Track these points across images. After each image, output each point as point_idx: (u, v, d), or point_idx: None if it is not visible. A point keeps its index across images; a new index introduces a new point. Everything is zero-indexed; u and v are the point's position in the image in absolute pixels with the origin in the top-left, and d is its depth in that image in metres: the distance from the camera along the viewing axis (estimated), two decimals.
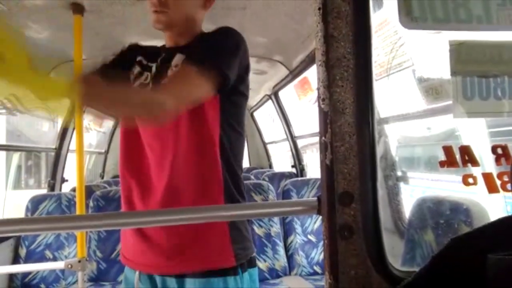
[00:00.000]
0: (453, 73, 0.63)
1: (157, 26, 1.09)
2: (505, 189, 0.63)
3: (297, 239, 2.52)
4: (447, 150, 0.62)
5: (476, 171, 0.64)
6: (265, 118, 4.81)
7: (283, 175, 3.60)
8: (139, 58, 1.17)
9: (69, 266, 1.79)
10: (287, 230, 2.55)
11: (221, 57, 1.03)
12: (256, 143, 5.04)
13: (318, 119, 0.59)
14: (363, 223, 0.58)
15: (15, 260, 2.39)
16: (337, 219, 0.58)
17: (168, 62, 1.09)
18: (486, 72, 0.64)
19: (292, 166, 3.81)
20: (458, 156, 0.62)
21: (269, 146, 4.97)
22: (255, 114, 4.88)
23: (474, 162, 0.63)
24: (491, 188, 0.64)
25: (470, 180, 0.62)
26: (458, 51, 0.63)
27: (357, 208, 0.58)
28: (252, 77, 3.75)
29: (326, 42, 0.57)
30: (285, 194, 2.60)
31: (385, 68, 1.80)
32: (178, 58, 1.08)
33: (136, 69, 1.16)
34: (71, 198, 2.60)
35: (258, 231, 2.47)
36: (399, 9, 0.61)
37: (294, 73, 2.96)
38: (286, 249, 2.53)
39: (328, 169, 0.58)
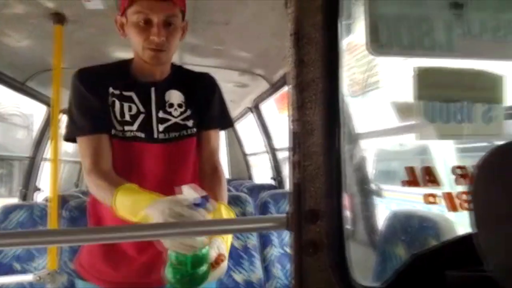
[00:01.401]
0: (417, 97, 0.67)
1: (155, 63, 1.14)
2: (463, 208, 0.66)
3: (274, 251, 2.52)
4: (410, 170, 0.65)
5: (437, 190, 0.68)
6: (248, 129, 4.85)
7: (262, 187, 3.62)
8: (111, 90, 1.16)
9: (38, 278, 1.73)
10: (264, 242, 2.56)
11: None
12: (236, 154, 5.06)
13: (288, 139, 0.61)
14: (328, 240, 0.61)
15: None
16: (304, 235, 0.60)
17: (148, 96, 1.18)
18: (448, 97, 0.68)
19: (272, 178, 3.84)
20: (420, 176, 0.65)
21: (254, 157, 5.00)
22: (236, 125, 4.90)
23: (436, 182, 0.66)
24: (452, 207, 0.67)
25: (431, 199, 0.66)
26: (422, 77, 0.67)
27: (322, 225, 0.60)
28: (234, 89, 3.79)
29: (297, 66, 0.60)
30: (263, 207, 2.61)
31: (361, 86, 1.86)
32: (174, 97, 1.20)
33: (116, 104, 1.16)
34: (44, 208, 2.54)
35: (235, 243, 2.47)
36: (366, 36, 0.65)
37: (275, 87, 3.01)
38: (263, 261, 2.53)
39: (296, 187, 0.60)
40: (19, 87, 2.64)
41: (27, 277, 1.81)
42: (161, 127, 1.16)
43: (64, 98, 2.75)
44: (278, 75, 2.83)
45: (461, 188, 0.67)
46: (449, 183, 0.71)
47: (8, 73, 2.47)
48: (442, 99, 0.67)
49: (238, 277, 2.39)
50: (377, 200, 1.98)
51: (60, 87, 2.08)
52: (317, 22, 0.61)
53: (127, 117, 1.14)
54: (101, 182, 1.05)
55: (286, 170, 4.26)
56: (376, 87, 1.69)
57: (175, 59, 2.60)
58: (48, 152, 3.06)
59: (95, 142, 1.11)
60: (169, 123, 1.18)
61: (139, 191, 1.00)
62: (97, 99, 1.14)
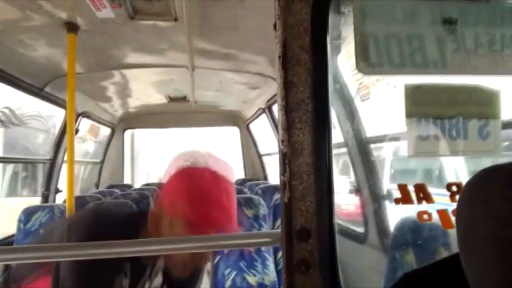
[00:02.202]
0: (409, 115, 0.67)
1: (184, 275, 1.05)
2: None
3: None
4: (402, 188, 0.65)
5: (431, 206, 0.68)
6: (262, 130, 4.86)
7: (276, 188, 3.62)
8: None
9: None
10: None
11: None
12: (251, 154, 5.08)
13: (278, 160, 0.63)
14: (319, 258, 0.62)
15: None
16: (295, 254, 0.61)
17: (139, 275, 1.06)
18: (441, 114, 0.68)
19: None
20: (413, 194, 0.66)
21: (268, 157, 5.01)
22: (250, 126, 4.92)
23: (429, 199, 0.66)
24: (446, 224, 0.67)
25: (425, 216, 0.66)
26: (414, 94, 0.67)
27: (314, 243, 0.61)
28: (246, 91, 3.79)
29: (286, 87, 0.61)
30: (276, 209, 2.63)
31: (369, 90, 1.84)
32: (157, 280, 1.10)
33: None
34: (63, 210, 2.62)
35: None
36: (356, 55, 0.65)
37: None
38: (276, 264, 2.55)
39: (286, 206, 0.61)
40: (38, 92, 2.72)
41: None
42: None
43: (79, 101, 2.82)
44: None
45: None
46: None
47: (27, 80, 2.55)
48: (435, 116, 0.67)
49: (252, 280, 2.41)
50: (389, 204, 1.96)
51: (75, 91, 2.15)
52: (305, 44, 0.61)
53: None
54: None
55: None
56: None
57: (187, 62, 2.65)
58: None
59: None
60: None
61: None
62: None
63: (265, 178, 4.97)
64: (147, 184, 4.87)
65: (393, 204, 0.65)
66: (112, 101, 3.88)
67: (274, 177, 5.10)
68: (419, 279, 0.61)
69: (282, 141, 0.61)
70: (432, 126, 0.67)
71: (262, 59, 2.68)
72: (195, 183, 0.97)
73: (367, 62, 0.65)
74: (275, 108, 3.70)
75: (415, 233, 1.46)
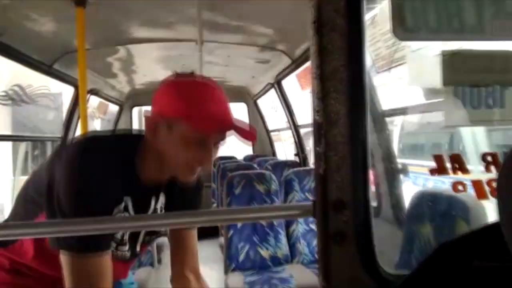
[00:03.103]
0: (445, 82, 0.64)
1: (188, 181, 0.98)
2: (494, 196, 0.65)
3: (299, 228, 2.56)
4: (438, 159, 0.64)
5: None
6: (268, 106, 4.83)
7: (285, 164, 3.63)
8: (122, 201, 0.96)
9: None
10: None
11: None
12: (259, 130, 5.06)
13: (312, 130, 0.61)
14: (355, 229, 0.61)
15: None
16: (330, 225, 0.60)
17: (145, 205, 1.01)
18: (478, 82, 0.65)
19: (295, 155, 3.84)
20: (448, 164, 0.64)
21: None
22: (258, 101, 4.89)
23: (464, 170, 0.65)
24: (480, 195, 0.66)
25: (460, 187, 0.65)
26: (451, 61, 0.64)
27: (349, 215, 0.60)
28: (255, 65, 3.76)
29: (320, 55, 0.59)
30: (287, 184, 2.63)
31: (387, 61, 1.80)
32: (161, 201, 1.06)
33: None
34: None
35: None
36: (393, 21, 0.62)
37: (297, 63, 2.96)
38: (288, 237, 2.58)
39: (321, 177, 0.60)
40: (47, 70, 2.70)
41: None
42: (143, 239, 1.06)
43: (89, 78, 2.79)
44: (299, 50, 2.78)
45: (492, 175, 0.65)
46: (477, 162, 0.69)
47: (35, 56, 2.52)
48: (471, 84, 0.65)
49: (265, 253, 2.45)
50: (402, 178, 1.95)
51: (85, 68, 2.12)
52: (340, 8, 0.59)
53: (119, 235, 0.97)
54: None
55: (309, 146, 4.24)
56: (403, 62, 1.64)
57: (196, 36, 2.60)
58: (78, 132, 3.14)
59: (97, 261, 0.89)
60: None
61: None
62: (102, 203, 0.90)
63: (274, 154, 4.98)
64: None
65: (428, 175, 0.64)
66: (119, 78, 3.85)
67: (281, 153, 5.10)
68: (455, 248, 0.60)
69: (317, 111, 0.60)
70: (469, 94, 0.65)
71: (273, 32, 2.62)
72: (189, 82, 0.95)
73: (404, 27, 0.62)
74: (284, 83, 3.65)
75: (432, 206, 1.46)
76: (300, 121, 3.69)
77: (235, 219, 0.69)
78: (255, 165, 3.85)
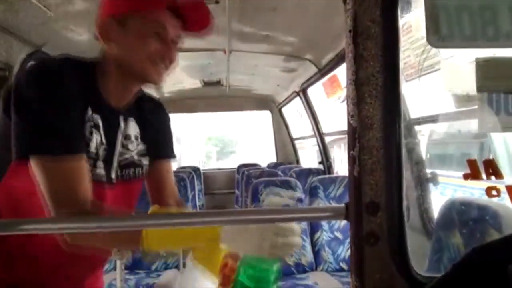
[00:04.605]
0: (479, 88, 0.66)
1: (159, 82, 0.97)
2: None
3: (324, 235, 2.55)
4: (471, 163, 0.65)
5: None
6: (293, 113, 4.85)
7: (310, 172, 3.63)
8: (89, 113, 0.92)
9: None
10: (313, 227, 2.59)
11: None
12: (283, 138, 5.09)
13: (347, 134, 0.63)
14: (388, 231, 0.62)
15: None
16: (364, 226, 0.62)
17: (115, 125, 0.98)
18: None
19: (320, 163, 3.84)
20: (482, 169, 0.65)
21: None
22: (283, 110, 4.92)
23: (498, 175, 0.65)
24: None
25: (494, 192, 0.65)
26: (485, 68, 0.65)
27: (382, 217, 0.62)
28: (280, 74, 3.81)
29: (356, 62, 0.61)
30: (312, 191, 2.64)
31: (416, 69, 1.80)
32: (133, 129, 1.03)
33: (88, 127, 0.92)
34: None
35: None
36: (427, 28, 0.64)
37: (323, 71, 2.98)
38: (313, 245, 2.57)
39: (355, 180, 0.62)
40: None
41: None
42: (119, 165, 0.99)
43: None
44: (326, 59, 2.80)
45: None
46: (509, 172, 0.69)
47: None
48: (506, 90, 0.66)
49: (290, 260, 2.45)
50: (432, 187, 1.93)
51: None
52: (375, 17, 0.61)
53: (93, 149, 0.92)
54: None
55: (333, 154, 4.22)
56: (433, 70, 1.64)
57: (225, 45, 2.66)
58: None
59: (74, 165, 0.84)
60: (127, 160, 1.01)
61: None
62: (78, 112, 0.88)
63: (297, 162, 4.98)
64: (181, 168, 4.98)
65: (462, 179, 0.65)
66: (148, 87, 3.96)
67: (305, 161, 5.10)
68: (488, 252, 0.61)
69: (352, 116, 0.62)
70: (503, 100, 0.66)
71: (300, 41, 2.66)
72: None
73: (438, 35, 0.64)
74: (310, 91, 3.67)
75: (463, 214, 1.44)
76: (324, 129, 3.70)
77: (266, 219, 0.72)
78: (280, 173, 3.87)
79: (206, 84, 3.98)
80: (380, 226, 0.62)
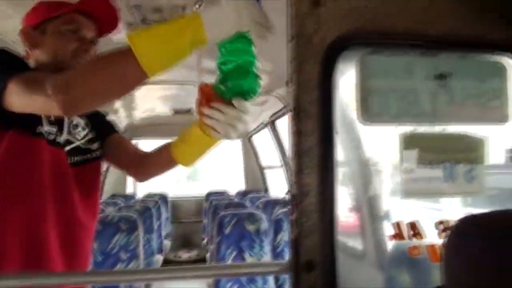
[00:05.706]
0: (402, 160, 0.75)
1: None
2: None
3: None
4: (397, 225, 0.74)
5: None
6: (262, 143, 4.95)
7: (277, 202, 3.70)
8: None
9: None
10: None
11: None
12: (252, 167, 5.16)
13: (289, 200, 0.71)
14: (322, 285, 0.70)
15: None
16: (301, 284, 0.69)
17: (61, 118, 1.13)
18: (432, 159, 0.76)
19: (286, 193, 3.92)
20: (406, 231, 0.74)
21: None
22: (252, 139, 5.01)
23: (420, 236, 0.74)
24: (434, 258, 0.75)
25: (415, 251, 0.74)
26: (408, 141, 0.75)
27: (317, 274, 0.70)
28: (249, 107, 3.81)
29: (296, 136, 0.70)
30: (278, 224, 2.70)
31: None
32: (77, 120, 1.20)
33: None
34: None
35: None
36: (359, 107, 0.74)
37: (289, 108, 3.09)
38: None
39: (294, 241, 0.70)
40: None
41: None
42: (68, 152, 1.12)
43: None
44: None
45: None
46: None
47: None
48: (427, 162, 0.76)
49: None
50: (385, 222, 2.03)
51: None
52: (314, 99, 0.70)
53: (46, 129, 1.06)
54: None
55: None
56: None
57: (194, 78, 2.73)
58: None
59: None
60: (73, 145, 1.13)
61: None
62: None
63: (266, 190, 5.05)
64: (148, 195, 4.94)
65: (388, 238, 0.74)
66: (119, 113, 3.97)
67: (274, 189, 5.17)
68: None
69: (292, 183, 0.70)
70: (423, 170, 0.76)
71: (269, 79, 2.77)
72: None
73: (368, 113, 0.74)
74: (278, 123, 3.79)
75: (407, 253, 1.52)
76: None
77: (215, 275, 0.78)
78: (247, 202, 3.92)
79: (177, 112, 4.04)
80: (315, 284, 0.70)
